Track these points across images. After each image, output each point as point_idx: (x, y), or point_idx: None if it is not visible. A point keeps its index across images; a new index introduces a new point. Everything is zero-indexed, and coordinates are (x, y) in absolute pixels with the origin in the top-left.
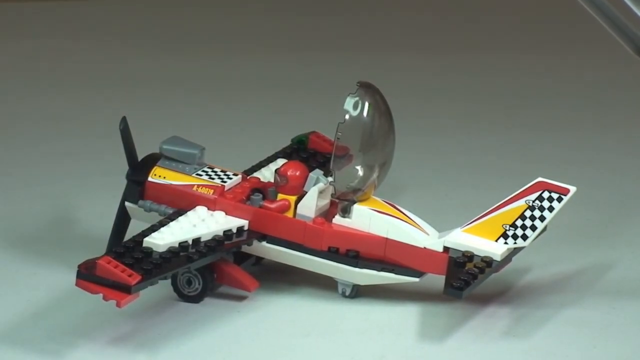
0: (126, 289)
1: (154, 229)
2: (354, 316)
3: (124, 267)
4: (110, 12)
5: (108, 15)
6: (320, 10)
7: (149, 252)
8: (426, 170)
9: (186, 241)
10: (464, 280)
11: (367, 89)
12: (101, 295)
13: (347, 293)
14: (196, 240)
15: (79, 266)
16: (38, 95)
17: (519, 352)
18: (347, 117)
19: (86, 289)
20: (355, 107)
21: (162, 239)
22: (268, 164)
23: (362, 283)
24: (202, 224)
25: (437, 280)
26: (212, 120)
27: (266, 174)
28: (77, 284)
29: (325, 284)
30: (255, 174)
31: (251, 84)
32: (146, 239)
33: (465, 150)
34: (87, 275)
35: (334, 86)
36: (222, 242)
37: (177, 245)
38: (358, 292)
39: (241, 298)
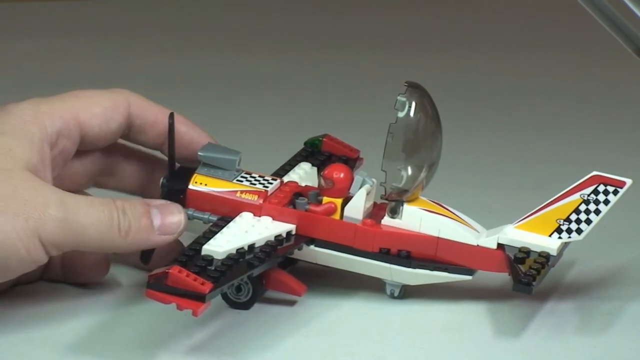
0: (200, 298)
1: (207, 236)
2: (355, 316)
3: (195, 275)
4: (110, 12)
5: (108, 15)
6: (320, 10)
7: (209, 259)
8: None
9: (242, 247)
10: (531, 276)
11: (415, 90)
12: (174, 304)
13: (396, 294)
14: (251, 246)
15: (149, 276)
16: (38, 95)
17: (517, 352)
18: (398, 116)
19: (157, 299)
20: (402, 107)
21: (221, 246)
22: (291, 168)
23: (413, 283)
24: (252, 229)
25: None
26: (212, 119)
27: (294, 178)
28: (146, 294)
29: (324, 284)
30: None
31: (250, 84)
32: (205, 247)
33: (465, 150)
34: (158, 285)
35: (334, 86)
36: (275, 247)
37: (234, 252)
38: (405, 293)
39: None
